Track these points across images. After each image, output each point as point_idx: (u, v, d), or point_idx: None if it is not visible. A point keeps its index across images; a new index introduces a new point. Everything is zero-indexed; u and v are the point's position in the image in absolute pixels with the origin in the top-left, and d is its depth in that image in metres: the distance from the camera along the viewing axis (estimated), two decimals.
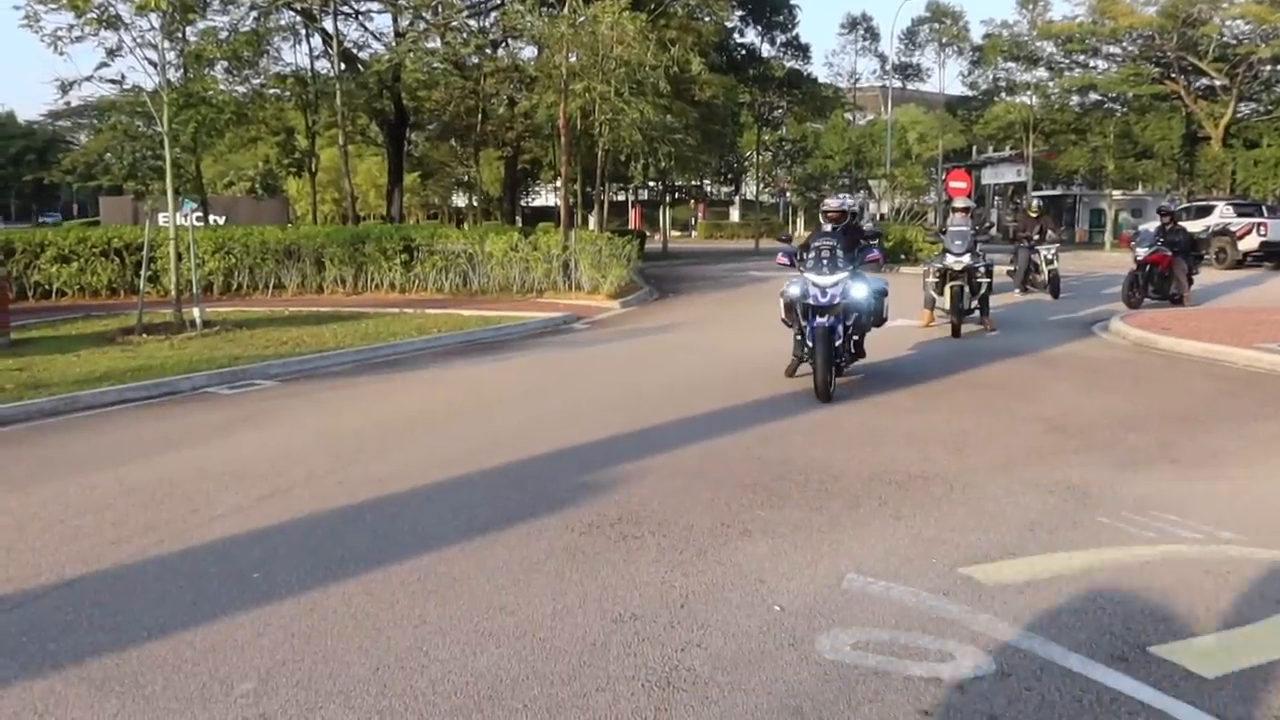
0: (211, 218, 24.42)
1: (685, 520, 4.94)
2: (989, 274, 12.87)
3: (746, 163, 51.67)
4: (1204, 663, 3.38)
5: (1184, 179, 43.66)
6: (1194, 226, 23.27)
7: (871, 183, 50.48)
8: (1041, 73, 46.86)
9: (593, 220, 28.47)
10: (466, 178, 39.54)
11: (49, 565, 4.41)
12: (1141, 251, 15.47)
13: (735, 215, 64.06)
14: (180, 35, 14.38)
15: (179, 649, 3.56)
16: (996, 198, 51.70)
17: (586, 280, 17.76)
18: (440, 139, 35.35)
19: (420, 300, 16.58)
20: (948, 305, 12.32)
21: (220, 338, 11.77)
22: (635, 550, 4.51)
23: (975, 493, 5.43)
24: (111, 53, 12.69)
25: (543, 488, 5.57)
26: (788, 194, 58.27)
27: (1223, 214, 27.50)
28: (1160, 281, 15.56)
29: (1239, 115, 42.44)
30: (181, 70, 14.02)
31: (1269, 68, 40.39)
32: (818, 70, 53.26)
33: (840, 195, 10.62)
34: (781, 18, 40.79)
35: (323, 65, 25.87)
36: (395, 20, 27.13)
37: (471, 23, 26.66)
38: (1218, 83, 41.71)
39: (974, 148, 53.56)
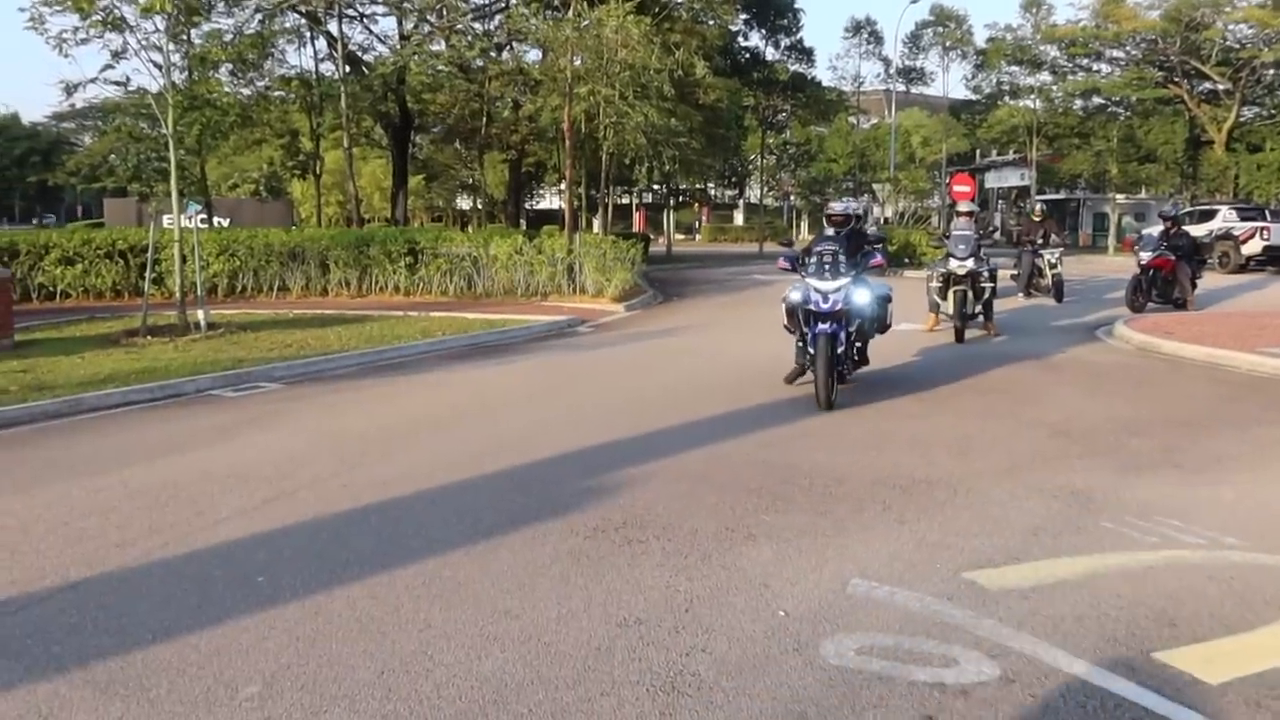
0: (216, 220, 24.49)
1: (690, 524, 4.94)
2: (993, 278, 12.78)
3: (750, 166, 51.73)
4: (1209, 668, 3.38)
5: (1187, 183, 43.64)
6: (1197, 231, 23.24)
7: (875, 186, 50.50)
8: (1045, 76, 46.90)
9: (597, 223, 28.51)
10: (471, 181, 39.60)
11: (54, 568, 4.42)
12: (1145, 256, 15.45)
13: (739, 219, 64.12)
14: (185, 37, 14.44)
15: (184, 652, 3.56)
16: (1000, 201, 51.67)
17: (591, 284, 17.78)
18: (445, 142, 35.42)
19: (425, 303, 16.60)
20: (951, 310, 12.25)
21: (225, 340, 11.79)
22: (640, 554, 4.52)
23: (979, 497, 5.42)
24: (116, 55, 12.74)
25: (547, 491, 5.57)
26: (792, 197, 58.27)
27: (1226, 218, 27.46)
28: (1164, 286, 15.55)
29: (1242, 119, 42.44)
30: (186, 72, 14.06)
31: (1272, 72, 40.41)
32: (822, 74, 53.33)
33: (844, 199, 10.48)
34: (786, 21, 40.84)
35: (327, 68, 25.97)
36: (400, 23, 27.23)
37: (476, 26, 26.73)
38: (1221, 87, 41.72)
39: (978, 151, 53.53)
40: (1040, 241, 17.83)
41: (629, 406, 8.16)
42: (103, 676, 3.39)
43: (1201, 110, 42.25)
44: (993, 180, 50.74)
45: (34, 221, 59.45)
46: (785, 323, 8.62)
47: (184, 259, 13.15)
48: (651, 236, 39.54)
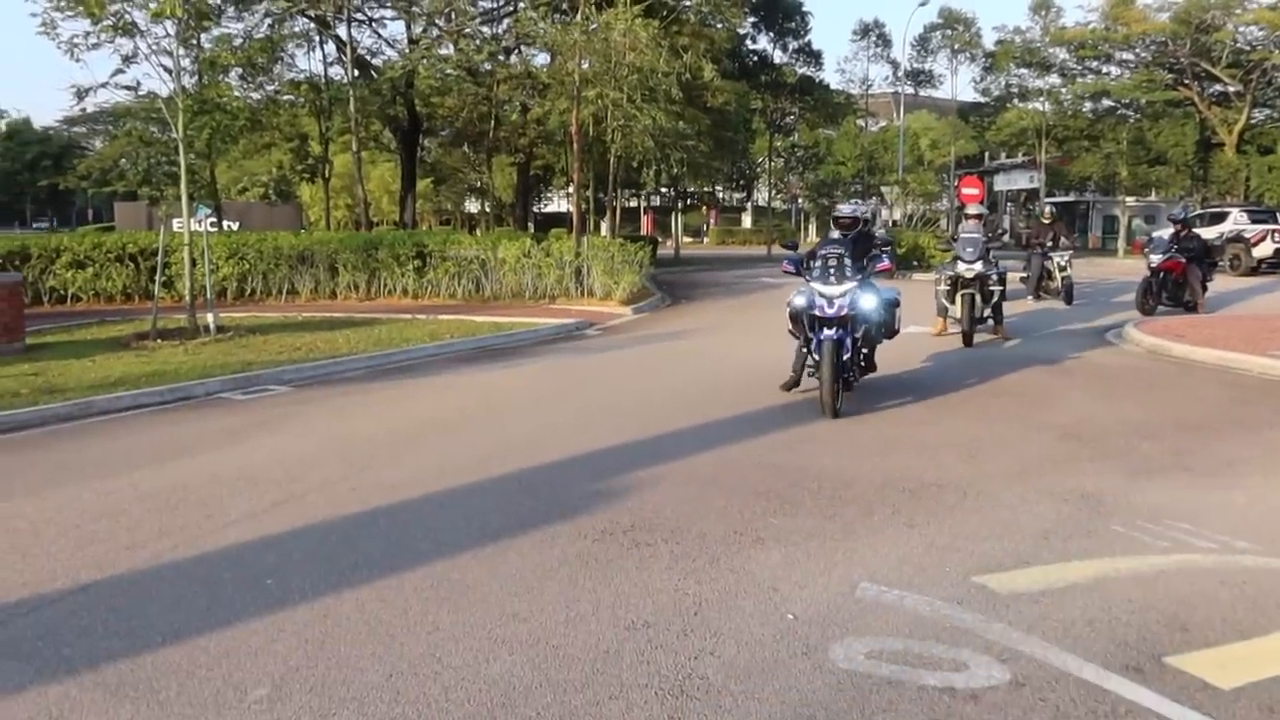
0: (225, 223, 24.60)
1: (698, 528, 4.94)
2: (1002, 281, 12.64)
3: (758, 169, 51.68)
4: (1221, 673, 3.36)
5: (1198, 185, 43.50)
6: (1208, 233, 23.14)
7: (884, 189, 50.41)
8: (1054, 79, 46.79)
9: (605, 226, 28.48)
10: (479, 184, 39.62)
11: (64, 570, 4.43)
12: (1155, 258, 15.38)
13: (747, 221, 64.07)
14: (195, 42, 14.51)
15: (193, 654, 3.57)
16: (1009, 204, 51.55)
17: (599, 286, 17.78)
18: (453, 145, 35.47)
19: (433, 306, 16.63)
20: (959, 314, 12.13)
21: (234, 343, 11.82)
22: (648, 558, 4.51)
23: (989, 501, 5.41)
24: (127, 59, 12.81)
25: (555, 494, 5.57)
26: (800, 200, 58.24)
27: (1236, 220, 27.35)
28: (1174, 288, 15.48)
29: (1253, 121, 42.27)
30: (196, 77, 14.15)
31: None
32: (830, 77, 53.24)
33: (853, 201, 10.22)
34: (794, 24, 40.83)
35: (336, 72, 26.07)
36: (409, 27, 27.30)
37: (484, 29, 26.78)
38: (1231, 89, 41.56)
39: (986, 154, 53.40)
40: (1050, 244, 17.76)
41: (637, 409, 8.16)
42: (113, 678, 3.40)
43: (1212, 112, 42.09)
44: (1002, 183, 50.63)
45: (32, 225, 59.70)
46: (790, 328, 8.40)
47: (194, 262, 13.21)
48: (659, 239, 39.58)
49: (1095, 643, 3.60)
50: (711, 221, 64.34)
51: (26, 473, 6.25)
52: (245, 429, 7.53)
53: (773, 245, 40.86)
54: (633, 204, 54.00)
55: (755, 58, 39.70)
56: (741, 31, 35.13)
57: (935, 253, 24.66)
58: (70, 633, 3.78)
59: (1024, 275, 18.49)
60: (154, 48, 12.50)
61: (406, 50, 26.04)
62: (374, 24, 27.35)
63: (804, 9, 40.63)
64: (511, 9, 27.31)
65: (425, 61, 24.06)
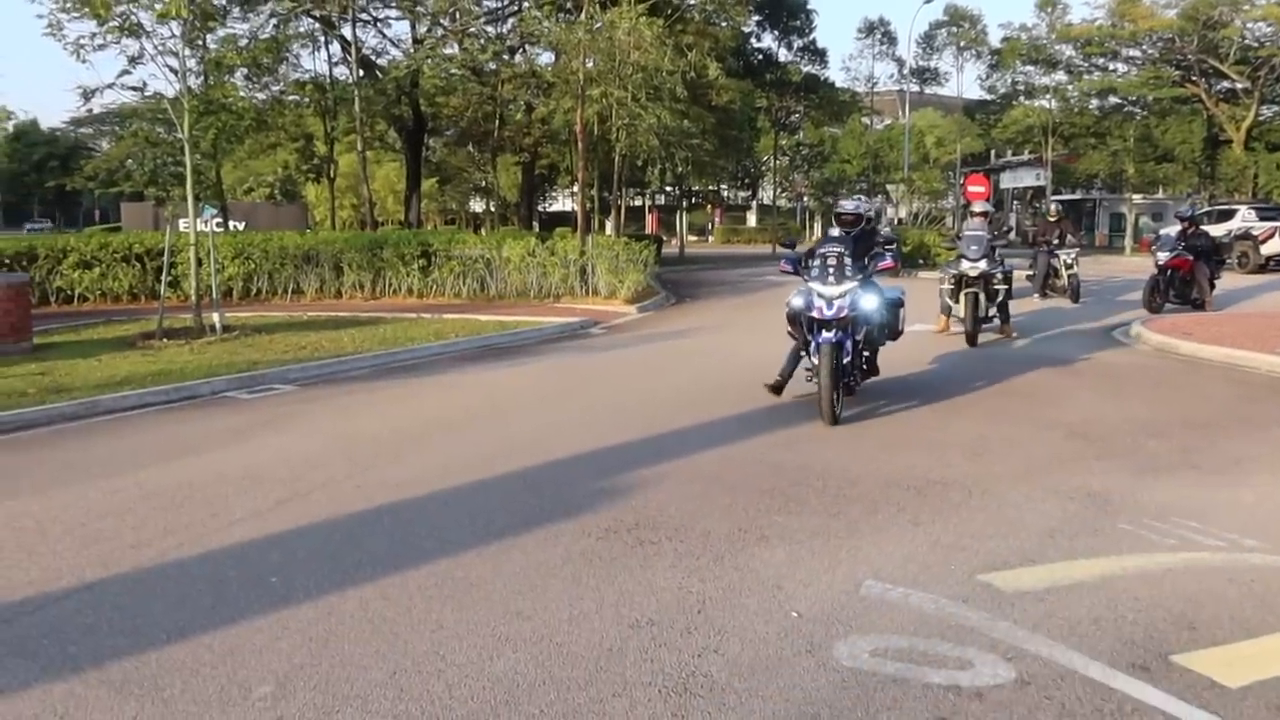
0: (231, 223, 24.63)
1: (702, 526, 4.93)
2: (1007, 280, 12.48)
3: (763, 167, 51.68)
4: (1228, 672, 3.34)
5: (1205, 183, 43.34)
6: (1216, 230, 23.05)
7: (889, 187, 50.33)
8: (1060, 76, 46.67)
9: (610, 225, 28.50)
10: (484, 183, 39.67)
11: (70, 568, 4.44)
12: (1163, 256, 15.33)
13: (752, 220, 64.03)
14: (201, 43, 14.52)
15: (198, 652, 3.58)
16: (1015, 202, 51.44)
17: (604, 285, 17.78)
18: (458, 145, 35.52)
19: (438, 305, 16.64)
20: (963, 313, 11.92)
21: (239, 342, 11.84)
22: (652, 556, 4.51)
23: (994, 499, 5.39)
24: (133, 60, 12.84)
25: (559, 493, 5.57)
26: (805, 198, 58.16)
27: (1245, 218, 27.26)
28: (1181, 286, 15.42)
29: (1261, 118, 42.10)
30: (202, 77, 14.15)
31: None
32: (835, 75, 53.09)
33: (856, 197, 9.79)
34: (799, 22, 40.83)
35: (341, 72, 26.05)
36: (413, 27, 27.30)
37: (489, 29, 26.78)
38: (1239, 85, 41.39)
39: (992, 152, 53.31)
40: (1056, 242, 17.72)
41: (641, 408, 8.15)
42: (118, 676, 3.40)
43: (1219, 109, 41.93)
44: (1008, 180, 50.56)
45: (25, 227, 59.80)
46: (789, 329, 8.10)
47: (200, 262, 13.23)
48: (664, 238, 39.53)
49: (1101, 641, 3.59)
50: (716, 220, 64.31)
51: (33, 471, 6.27)
52: (250, 428, 7.54)
53: (778, 244, 40.81)
54: (637, 203, 54.02)
55: (760, 56, 39.70)
56: (746, 30, 35.11)
57: (940, 251, 24.61)
58: (75, 630, 3.78)
59: (1030, 273, 18.44)
60: (160, 48, 12.53)
61: (411, 50, 26.06)
62: (379, 24, 27.39)
63: (808, 7, 40.66)
64: (516, 8, 27.30)
65: (430, 61, 24.08)
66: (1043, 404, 8.22)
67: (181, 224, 14.72)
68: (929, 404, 8.22)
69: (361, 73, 24.94)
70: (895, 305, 8.35)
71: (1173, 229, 16.62)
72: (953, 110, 55.62)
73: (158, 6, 11.98)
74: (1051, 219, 18.58)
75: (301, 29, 25.12)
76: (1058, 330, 13.53)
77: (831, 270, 7.47)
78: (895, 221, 44.51)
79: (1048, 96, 46.13)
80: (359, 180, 28.69)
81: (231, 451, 6.73)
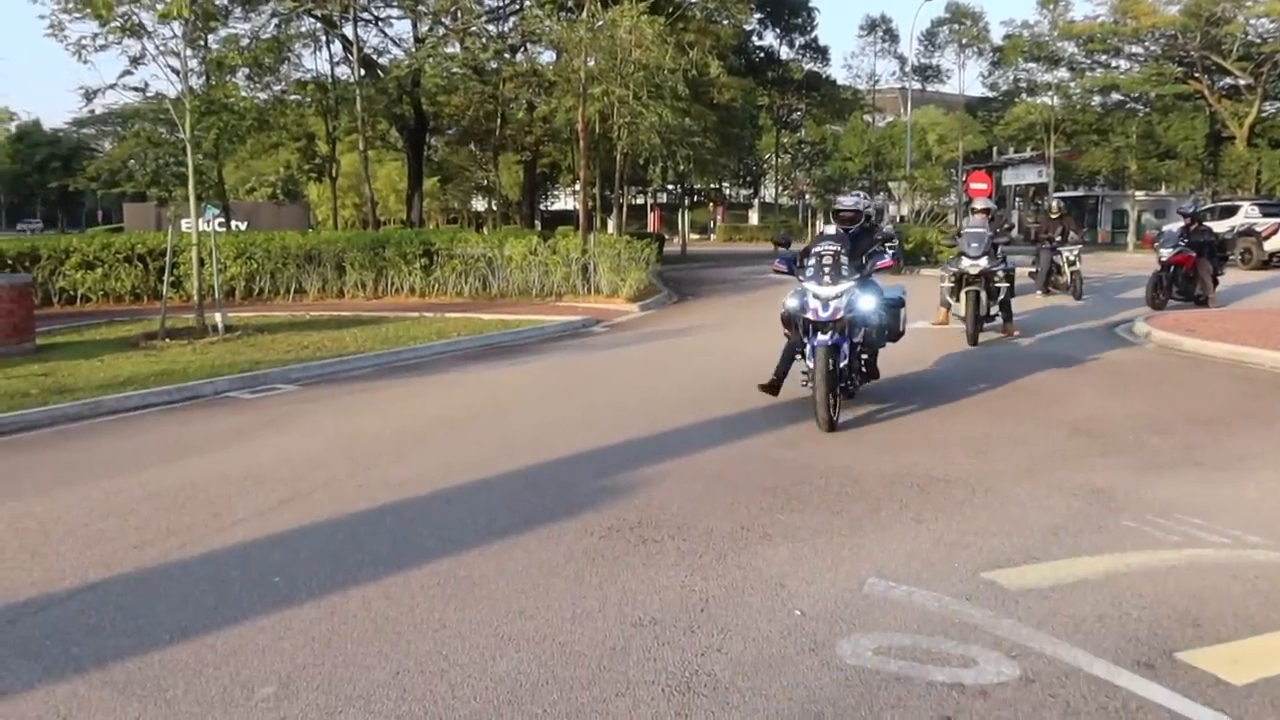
0: (233, 223, 24.66)
1: (705, 524, 4.92)
2: (1009, 278, 12.22)
3: (765, 165, 51.70)
4: (1233, 669, 3.33)
5: (1208, 179, 43.27)
6: (1219, 227, 22.99)
7: (891, 184, 50.30)
8: (1063, 73, 46.63)
9: (611, 224, 28.50)
10: (486, 182, 39.69)
11: (73, 569, 4.44)
12: (1165, 252, 15.29)
13: (754, 218, 64.01)
14: (202, 43, 14.54)
15: (200, 652, 3.58)
16: (1018, 199, 51.38)
17: (605, 284, 17.78)
18: (459, 144, 35.52)
19: (440, 304, 16.64)
20: (964, 312, 11.71)
21: (242, 342, 11.85)
22: (655, 554, 4.50)
23: (998, 496, 5.38)
24: (135, 61, 12.85)
25: (562, 491, 5.57)
26: (807, 196, 58.14)
27: (1248, 214, 27.19)
28: (1184, 282, 15.39)
29: (1264, 114, 42.03)
30: (204, 77, 14.17)
31: None
32: (836, 72, 53.30)
33: (855, 193, 9.06)
34: (800, 20, 40.86)
35: (343, 71, 26.06)
36: (415, 26, 27.32)
37: (490, 28, 26.79)
38: (1242, 82, 41.32)
39: (995, 149, 53.26)
40: (1059, 239, 17.69)
41: (643, 406, 8.14)
42: (120, 677, 3.40)
43: (1222, 105, 41.86)
44: (1010, 178, 50.48)
45: (15, 227, 59.89)
46: (785, 331, 7.79)
47: (202, 262, 13.24)
48: (666, 236, 39.53)
49: (1106, 638, 3.58)
50: (718, 218, 64.26)
51: (35, 472, 6.27)
52: (253, 428, 7.54)
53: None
54: (639, 201, 54.00)
55: (761, 54, 39.72)
56: (748, 28, 35.14)
57: (943, 248, 24.58)
58: (78, 631, 3.78)
59: (1033, 270, 18.42)
60: (161, 49, 12.54)
61: (412, 49, 26.08)
62: (380, 23, 27.43)
63: (810, 5, 40.71)
64: (517, 7, 27.31)
65: (431, 60, 24.09)
66: (1046, 401, 8.20)
67: (184, 224, 14.73)
68: (931, 402, 8.19)
69: (363, 72, 24.95)
70: (895, 306, 8.05)
71: (1175, 226, 16.57)
72: (955, 107, 55.57)
73: (159, 7, 12.00)
74: (1054, 216, 18.56)
75: (303, 29, 25.15)
76: (1060, 328, 13.50)
77: (827, 270, 7.13)
78: (897, 219, 44.47)
79: (1050, 93, 46.09)
80: (361, 179, 28.70)
81: (234, 451, 6.73)
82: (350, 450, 6.68)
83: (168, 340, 11.87)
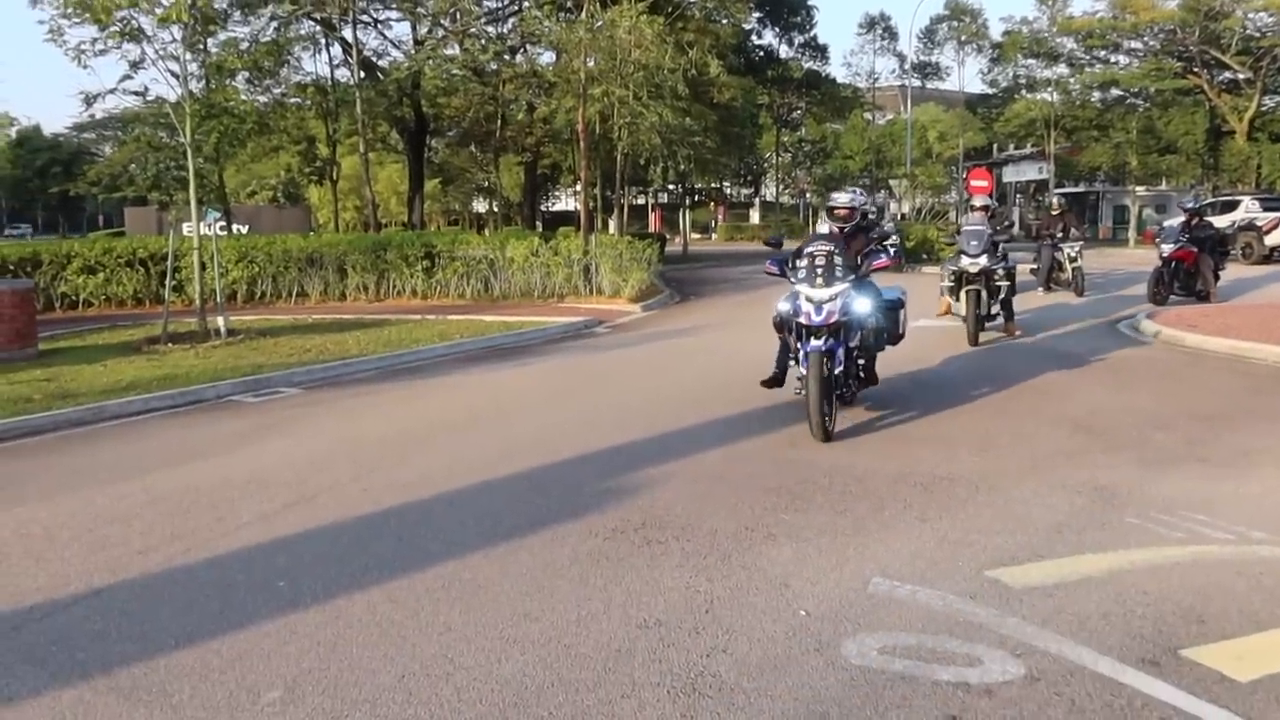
0: (235, 227, 24.68)
1: (709, 524, 4.92)
2: (1010, 276, 11.94)
3: (766, 164, 51.69)
4: (1238, 666, 3.33)
5: (1208, 174, 43.21)
6: (1220, 222, 22.96)
7: (892, 182, 50.28)
8: (1062, 69, 46.54)
9: (613, 224, 28.51)
10: (487, 183, 39.70)
11: (78, 574, 4.45)
12: (1167, 248, 15.27)
13: (755, 217, 63.99)
14: (202, 47, 14.52)
15: (206, 657, 3.58)
16: (1018, 195, 51.33)
17: (607, 284, 17.78)
18: (460, 145, 35.51)
19: (442, 306, 16.65)
20: (964, 311, 11.46)
21: (244, 346, 11.86)
22: (659, 555, 4.50)
23: (1001, 494, 5.38)
24: (134, 65, 12.83)
25: (566, 493, 5.57)
26: (808, 195, 58.12)
27: (1248, 209, 27.15)
28: (1186, 278, 15.38)
29: (1264, 109, 41.96)
30: (203, 81, 14.16)
31: None
32: (836, 71, 53.11)
33: (852, 189, 8.64)
34: (799, 19, 40.85)
35: (343, 74, 26.05)
36: (414, 28, 27.31)
37: (490, 29, 26.79)
38: (1241, 76, 41.25)
39: (995, 146, 53.22)
40: (1060, 235, 17.66)
41: (646, 407, 8.15)
42: (126, 682, 3.41)
43: (1222, 100, 41.79)
44: (1011, 174, 50.41)
45: (3, 232, 59.90)
46: (780, 336, 7.41)
47: (203, 266, 13.24)
48: (667, 236, 39.54)
49: (1110, 636, 3.58)
50: (720, 217, 64.27)
51: (40, 477, 6.28)
52: (256, 431, 7.55)
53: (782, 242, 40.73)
54: (640, 201, 53.98)
55: (761, 53, 39.70)
56: (747, 27, 35.10)
57: (944, 246, 24.55)
58: (84, 637, 3.79)
59: (1034, 267, 18.40)
60: (161, 53, 12.53)
61: (412, 51, 26.07)
62: (379, 25, 27.41)
63: (809, 3, 40.66)
64: (516, 8, 27.30)
65: (431, 62, 24.08)
66: (1048, 398, 8.20)
67: (185, 228, 14.74)
68: (932, 400, 8.18)
69: (363, 74, 24.95)
70: (894, 307, 7.74)
71: (1176, 221, 16.58)
72: (954, 105, 55.52)
73: (158, 11, 12.00)
74: (1054, 212, 18.51)
75: (302, 32, 25.11)
76: (1062, 324, 13.48)
77: (820, 271, 6.78)
78: (899, 217, 44.44)
79: (1049, 90, 46.01)
80: (362, 182, 28.71)
81: (237, 455, 6.74)
82: (354, 453, 6.69)
83: (170, 344, 11.88)
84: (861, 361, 7.35)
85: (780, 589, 4.08)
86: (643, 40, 18.91)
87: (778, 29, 40.58)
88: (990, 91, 51.97)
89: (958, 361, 10.26)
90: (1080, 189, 47.23)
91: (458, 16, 25.28)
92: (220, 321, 12.66)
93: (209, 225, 13.68)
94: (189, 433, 7.62)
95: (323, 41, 26.09)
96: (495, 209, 38.54)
